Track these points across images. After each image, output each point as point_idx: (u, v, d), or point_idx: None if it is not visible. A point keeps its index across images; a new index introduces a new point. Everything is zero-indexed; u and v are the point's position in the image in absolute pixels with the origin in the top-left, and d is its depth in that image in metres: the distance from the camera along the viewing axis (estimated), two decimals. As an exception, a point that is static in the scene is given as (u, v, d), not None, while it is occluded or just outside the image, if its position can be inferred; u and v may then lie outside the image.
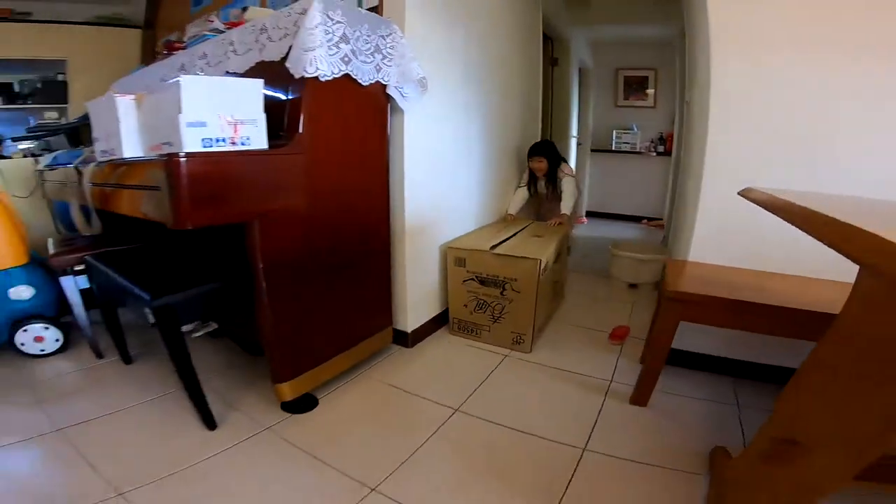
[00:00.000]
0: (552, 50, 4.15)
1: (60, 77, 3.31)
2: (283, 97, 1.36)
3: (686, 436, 1.35)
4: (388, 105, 1.66)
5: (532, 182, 2.85)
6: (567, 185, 2.70)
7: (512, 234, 2.23)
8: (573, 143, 4.78)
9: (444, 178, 2.08)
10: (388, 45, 1.55)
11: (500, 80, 2.56)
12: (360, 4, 1.74)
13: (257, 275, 1.27)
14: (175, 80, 1.10)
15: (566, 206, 2.65)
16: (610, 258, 2.72)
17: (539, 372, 1.78)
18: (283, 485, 1.15)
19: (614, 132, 5.23)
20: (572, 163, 4.41)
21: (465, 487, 1.15)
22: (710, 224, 1.64)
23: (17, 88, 3.23)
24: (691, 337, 1.67)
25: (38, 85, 3.24)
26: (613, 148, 5.26)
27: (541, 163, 2.75)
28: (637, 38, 4.71)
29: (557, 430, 1.38)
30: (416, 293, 1.95)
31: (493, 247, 1.95)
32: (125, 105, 1.31)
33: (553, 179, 2.78)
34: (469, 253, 1.97)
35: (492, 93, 2.46)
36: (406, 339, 1.93)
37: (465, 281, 2.01)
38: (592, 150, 5.26)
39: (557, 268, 2.26)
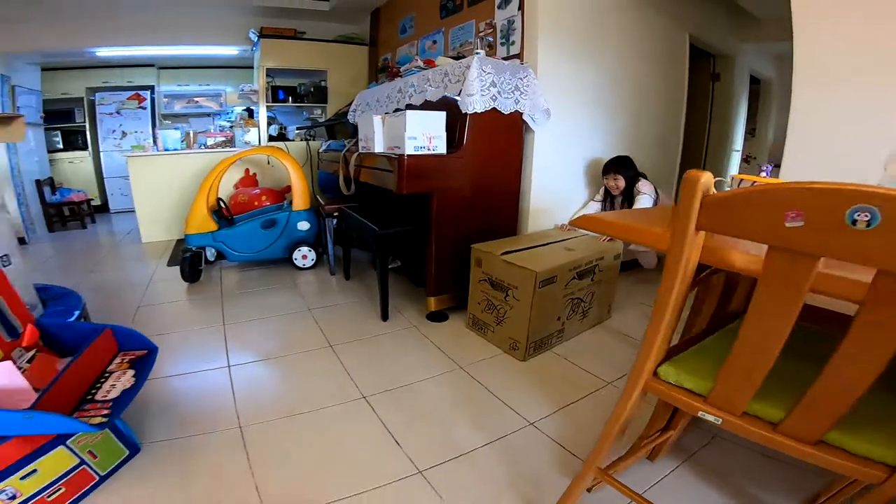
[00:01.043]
0: (713, 66, 4.35)
1: (323, 83, 4.89)
2: (456, 119, 2.34)
3: None
4: (523, 126, 2.51)
5: (608, 199, 2.82)
6: (641, 204, 2.61)
7: (544, 242, 2.33)
8: (735, 157, 4.82)
9: (563, 181, 2.82)
10: (524, 85, 2.39)
11: (630, 104, 3.09)
12: (508, 51, 2.60)
13: (431, 225, 2.29)
14: (403, 112, 2.15)
15: None
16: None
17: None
18: (414, 357, 2.07)
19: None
20: (729, 176, 4.49)
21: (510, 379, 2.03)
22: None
23: (299, 91, 4.90)
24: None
25: (311, 89, 4.86)
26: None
27: (616, 180, 2.70)
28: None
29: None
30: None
31: (505, 253, 2.10)
32: (377, 121, 2.43)
33: (630, 198, 2.72)
34: (485, 255, 2.15)
35: (620, 116, 3.05)
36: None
37: (479, 280, 2.21)
38: (776, 166, 5.12)
39: (587, 284, 2.23)
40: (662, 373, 0.79)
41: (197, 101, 6.27)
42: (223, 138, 4.36)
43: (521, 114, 2.43)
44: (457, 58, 2.55)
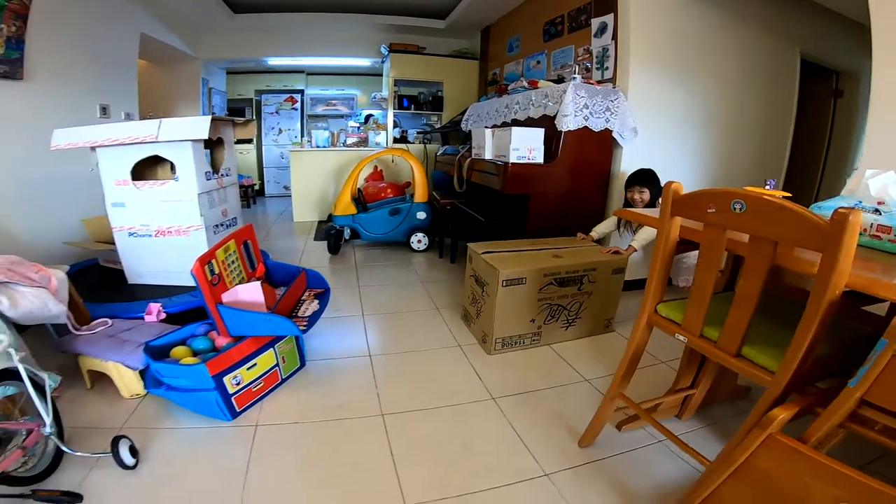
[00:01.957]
0: (836, 83, 4.28)
1: (439, 93, 5.63)
2: (553, 133, 2.86)
3: None
4: (612, 142, 2.93)
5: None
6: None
7: (539, 248, 2.42)
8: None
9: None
10: (615, 106, 2.82)
11: (724, 122, 3.30)
12: (602, 75, 3.04)
13: (527, 220, 2.80)
14: (510, 128, 2.71)
15: (639, 239, 2.43)
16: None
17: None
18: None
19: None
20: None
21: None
22: None
23: (420, 99, 5.69)
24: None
25: (429, 98, 5.62)
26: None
27: (642, 193, 2.63)
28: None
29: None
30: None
31: (487, 252, 2.27)
32: (489, 134, 3.02)
33: None
34: (474, 253, 2.34)
35: (712, 134, 3.28)
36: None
37: (469, 276, 2.42)
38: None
39: (571, 293, 2.27)
40: (659, 309, 1.26)
41: (333, 104, 7.39)
42: (359, 139, 5.27)
43: (611, 131, 2.87)
44: (557, 80, 3.06)
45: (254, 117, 7.19)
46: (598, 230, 2.68)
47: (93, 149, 2.32)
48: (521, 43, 4.34)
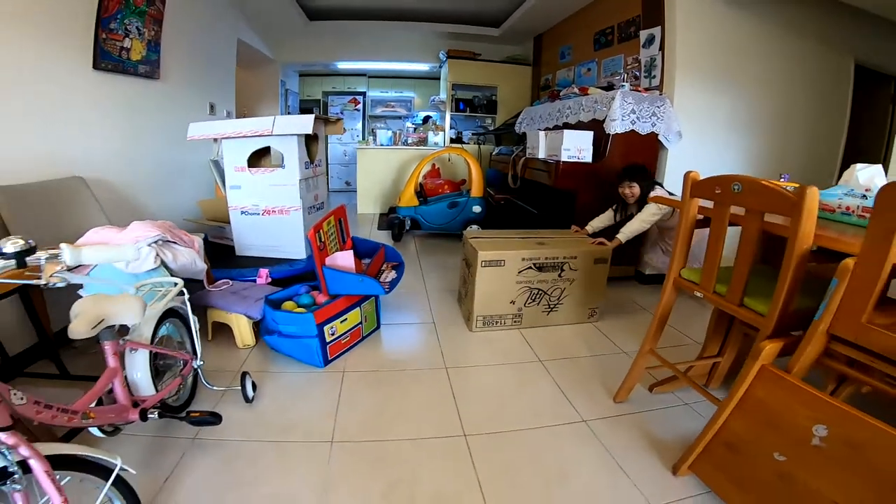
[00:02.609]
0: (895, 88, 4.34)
1: (493, 97, 6.01)
2: (602, 135, 3.17)
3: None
4: (658, 144, 3.21)
5: (619, 208, 2.79)
6: (644, 211, 2.55)
7: (526, 237, 2.57)
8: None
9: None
10: (661, 111, 3.10)
11: (770, 127, 3.50)
12: (650, 83, 3.32)
13: (576, 213, 3.14)
14: (562, 131, 3.06)
15: (625, 232, 2.50)
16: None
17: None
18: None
19: None
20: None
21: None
22: None
23: (475, 102, 6.09)
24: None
25: (484, 102, 6.01)
26: None
27: (632, 188, 2.67)
28: None
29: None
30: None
31: (475, 238, 2.49)
32: (542, 135, 3.38)
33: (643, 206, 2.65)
34: (466, 239, 2.56)
35: (757, 139, 3.48)
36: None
37: (462, 259, 2.65)
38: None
39: (552, 279, 2.41)
40: (682, 273, 1.58)
41: (392, 106, 7.92)
42: (419, 138, 5.73)
43: (657, 134, 3.15)
44: (607, 87, 3.37)
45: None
46: (594, 224, 2.76)
47: (215, 140, 2.84)
48: (573, 51, 4.65)
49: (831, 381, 1.50)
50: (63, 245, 0.97)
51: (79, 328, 1.12)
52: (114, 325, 1.27)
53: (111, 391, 1.33)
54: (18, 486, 0.94)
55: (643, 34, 3.38)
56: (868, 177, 1.39)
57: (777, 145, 3.58)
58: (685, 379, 1.63)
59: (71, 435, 1.49)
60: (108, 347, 1.29)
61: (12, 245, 0.88)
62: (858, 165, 1.42)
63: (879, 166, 1.41)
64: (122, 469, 1.05)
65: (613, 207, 2.80)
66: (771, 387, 1.25)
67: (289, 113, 6.71)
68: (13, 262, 0.87)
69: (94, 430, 1.36)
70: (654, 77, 3.29)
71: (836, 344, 1.17)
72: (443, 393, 1.92)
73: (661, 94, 3.16)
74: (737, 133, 3.43)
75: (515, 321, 2.48)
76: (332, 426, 1.69)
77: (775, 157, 3.59)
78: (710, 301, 1.48)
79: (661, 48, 3.21)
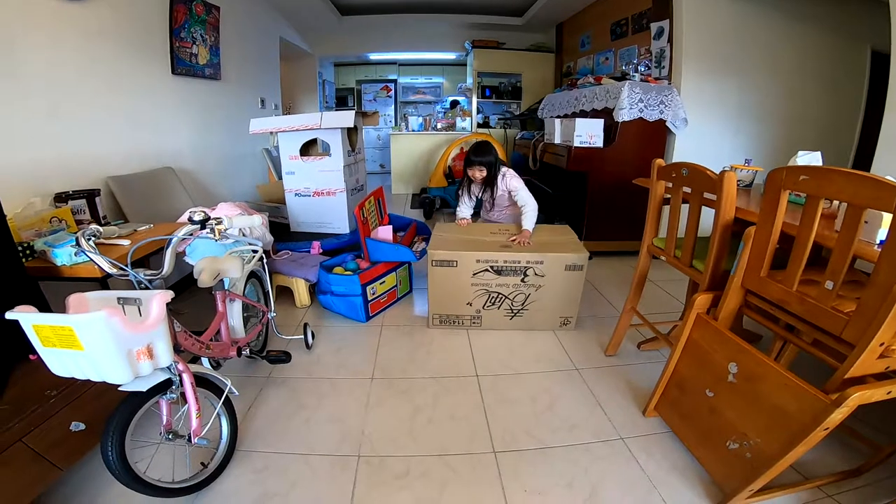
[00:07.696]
0: None
1: (518, 84, 6.29)
2: (612, 122, 3.48)
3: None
4: (666, 130, 3.49)
5: (466, 190, 2.81)
6: (525, 197, 2.60)
7: (495, 237, 2.52)
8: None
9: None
10: (668, 99, 3.37)
11: (780, 114, 3.66)
12: (660, 73, 3.59)
13: (587, 194, 3.48)
14: (574, 119, 3.40)
15: (529, 222, 2.51)
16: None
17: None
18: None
19: None
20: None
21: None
22: None
23: (500, 88, 6.39)
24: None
25: (509, 88, 6.31)
26: None
27: (481, 171, 2.67)
28: None
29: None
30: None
31: (441, 233, 2.58)
32: (557, 122, 3.71)
33: (491, 184, 2.70)
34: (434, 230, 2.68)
35: (767, 125, 3.66)
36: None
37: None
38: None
39: (514, 283, 2.33)
40: (654, 241, 1.93)
41: (422, 92, 8.29)
42: (447, 124, 6.10)
43: (665, 121, 3.43)
44: (620, 77, 3.65)
45: (355, 105, 8.33)
46: (465, 214, 2.83)
47: (272, 133, 3.32)
48: (592, 40, 4.90)
49: (777, 346, 1.61)
50: (223, 216, 1.42)
51: (205, 279, 1.58)
52: (223, 279, 1.73)
53: (218, 332, 1.74)
54: (173, 396, 1.26)
55: (653, 26, 3.63)
56: (806, 162, 1.72)
57: (790, 132, 3.74)
58: (659, 335, 1.97)
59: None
60: (219, 296, 1.73)
61: (198, 215, 1.36)
62: (800, 152, 1.75)
63: (818, 153, 1.74)
64: (230, 391, 1.44)
65: (461, 191, 2.85)
66: (702, 332, 1.52)
67: (326, 101, 7.20)
68: (198, 226, 1.35)
69: (205, 362, 1.74)
70: (664, 67, 3.56)
71: (750, 297, 1.42)
72: (462, 344, 2.34)
73: (669, 84, 3.43)
74: (747, 120, 3.64)
75: (475, 322, 2.45)
76: (372, 367, 2.10)
77: (792, 143, 3.72)
78: (670, 263, 1.83)
79: (670, 40, 3.47)
